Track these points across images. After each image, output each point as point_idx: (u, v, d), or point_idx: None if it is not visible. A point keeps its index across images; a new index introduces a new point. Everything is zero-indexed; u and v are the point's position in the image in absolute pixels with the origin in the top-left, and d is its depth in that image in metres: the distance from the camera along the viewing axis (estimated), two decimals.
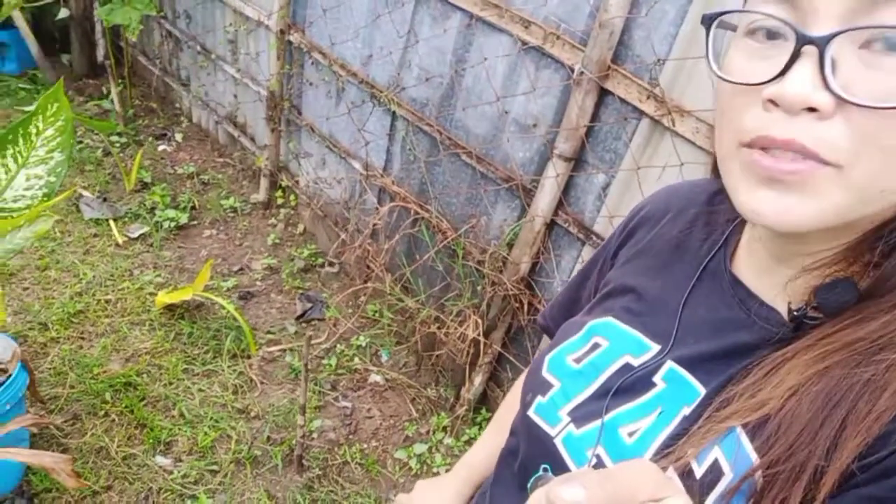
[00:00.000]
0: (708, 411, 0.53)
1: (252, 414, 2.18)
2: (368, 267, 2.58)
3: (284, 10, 2.64)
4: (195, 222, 3.00)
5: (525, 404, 0.67)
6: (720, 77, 0.48)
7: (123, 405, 2.10)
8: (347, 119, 2.61)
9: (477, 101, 2.06)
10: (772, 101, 0.44)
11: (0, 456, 1.30)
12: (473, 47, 2.04)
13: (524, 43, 1.86)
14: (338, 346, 2.49)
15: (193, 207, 3.07)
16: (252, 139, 3.30)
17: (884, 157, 0.42)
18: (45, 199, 1.52)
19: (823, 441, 0.45)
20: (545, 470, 0.64)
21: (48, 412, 2.03)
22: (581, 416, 0.61)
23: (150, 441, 2.01)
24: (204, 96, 3.58)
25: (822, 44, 0.41)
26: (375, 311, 2.59)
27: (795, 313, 0.51)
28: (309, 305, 2.65)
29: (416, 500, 0.93)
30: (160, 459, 1.98)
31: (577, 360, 0.65)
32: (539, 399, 0.66)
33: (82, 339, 2.32)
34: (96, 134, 3.41)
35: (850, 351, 0.47)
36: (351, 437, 2.19)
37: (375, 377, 2.42)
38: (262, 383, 2.30)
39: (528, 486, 0.67)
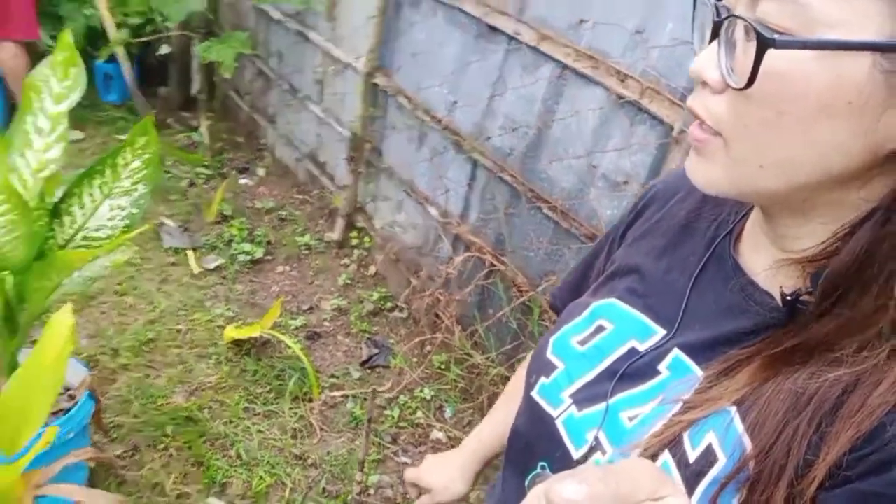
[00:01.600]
0: (694, 392, 0.54)
1: (309, 461, 2.11)
2: (437, 316, 2.50)
3: (374, 52, 2.65)
4: (269, 257, 3.01)
5: (529, 385, 0.68)
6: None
7: (183, 440, 2.06)
8: (427, 164, 2.57)
9: (564, 154, 1.98)
10: None
11: (54, 493, 1.26)
12: (564, 98, 1.96)
13: (619, 96, 1.77)
14: (401, 396, 2.41)
15: (269, 242, 3.08)
16: (332, 178, 3.31)
17: (749, 133, 0.46)
18: (126, 229, 1.51)
19: (803, 433, 0.46)
20: (542, 468, 0.64)
21: (110, 441, 2.02)
22: (583, 398, 0.62)
23: (206, 480, 1.96)
24: (289, 134, 3.65)
25: (718, 26, 0.46)
26: (442, 364, 2.50)
27: (788, 298, 0.51)
28: (375, 351, 2.58)
29: (423, 473, 0.95)
30: (213, 501, 1.92)
31: (582, 343, 0.66)
32: (543, 380, 0.66)
33: (150, 367, 2.32)
34: (184, 164, 3.51)
35: (801, 355, 0.49)
36: (408, 497, 2.08)
37: (438, 434, 2.31)
38: (321, 430, 2.23)
39: (526, 483, 0.67)
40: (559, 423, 0.62)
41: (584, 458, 0.59)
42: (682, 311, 0.60)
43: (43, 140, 1.40)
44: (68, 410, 1.69)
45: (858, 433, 0.44)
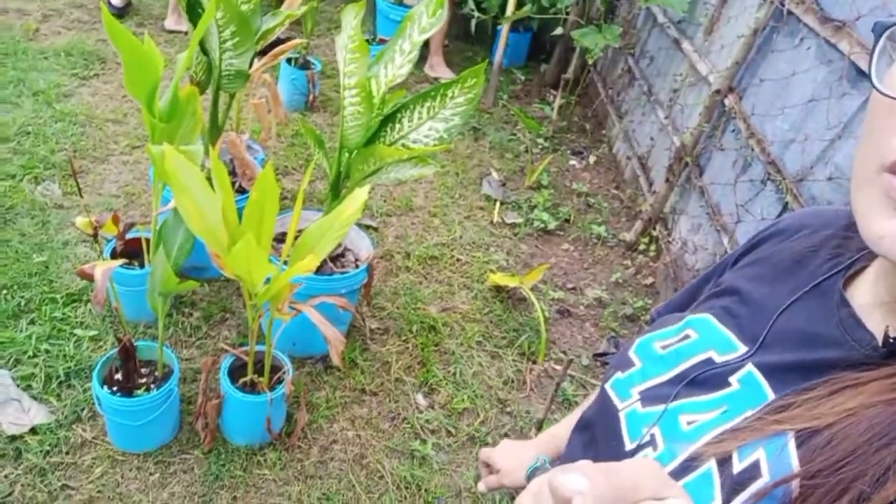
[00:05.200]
0: (763, 412, 0.53)
1: (507, 409, 2.29)
2: None
3: (729, 71, 2.59)
4: (560, 232, 3.21)
5: (606, 377, 0.71)
6: (879, 91, 0.45)
7: (420, 341, 2.42)
8: (738, 193, 2.45)
9: None
10: None
11: (302, 308, 1.66)
12: None
13: None
14: None
15: (567, 220, 3.28)
16: (650, 183, 3.34)
17: None
18: (437, 143, 1.84)
19: (874, 467, 0.44)
20: (544, 461, 0.68)
21: (371, 316, 2.47)
22: (650, 396, 0.64)
23: (421, 378, 2.29)
24: (630, 132, 3.75)
25: None
26: None
27: (892, 339, 0.49)
28: (613, 350, 2.61)
29: (497, 454, 1.01)
30: (419, 397, 2.24)
31: (664, 347, 0.68)
32: (618, 374, 0.69)
33: (425, 278, 2.73)
34: (530, 132, 3.87)
35: None
36: None
37: None
38: (531, 390, 2.39)
39: (527, 475, 0.72)
40: (622, 415, 0.65)
41: (635, 451, 0.62)
42: (766, 332, 0.61)
43: (401, 58, 1.78)
44: (349, 273, 2.14)
45: None
